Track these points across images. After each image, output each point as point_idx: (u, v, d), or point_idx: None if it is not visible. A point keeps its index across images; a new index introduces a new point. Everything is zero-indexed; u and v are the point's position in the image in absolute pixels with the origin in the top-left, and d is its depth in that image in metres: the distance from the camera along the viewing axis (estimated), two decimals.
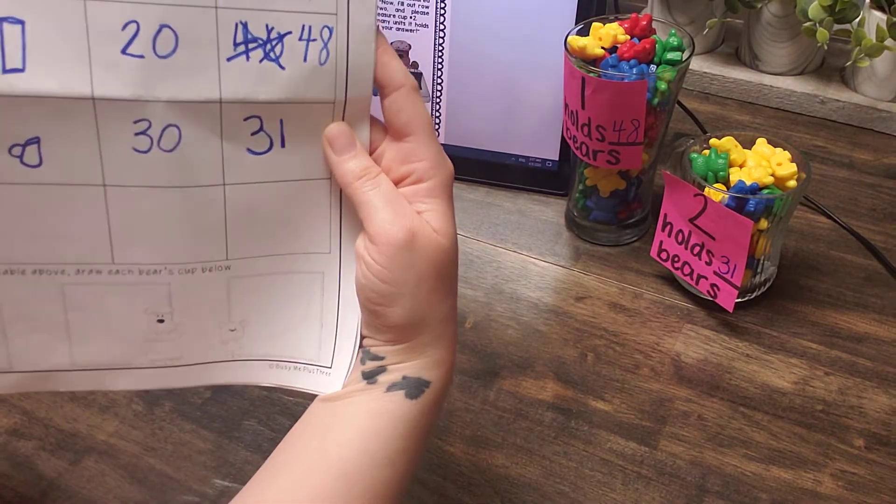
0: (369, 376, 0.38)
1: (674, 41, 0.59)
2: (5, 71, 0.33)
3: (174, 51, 0.33)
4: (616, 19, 0.60)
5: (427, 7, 0.69)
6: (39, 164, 0.35)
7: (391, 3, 0.69)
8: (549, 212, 0.70)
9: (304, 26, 0.35)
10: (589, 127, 0.59)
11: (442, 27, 0.69)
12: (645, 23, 0.59)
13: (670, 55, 0.58)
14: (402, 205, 0.36)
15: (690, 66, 0.65)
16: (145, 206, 0.36)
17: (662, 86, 0.57)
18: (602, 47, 0.58)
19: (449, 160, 0.38)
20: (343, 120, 0.37)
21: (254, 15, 0.34)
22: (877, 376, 0.56)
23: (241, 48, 0.34)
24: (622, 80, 0.56)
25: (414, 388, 0.37)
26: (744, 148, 0.57)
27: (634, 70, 0.57)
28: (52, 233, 0.37)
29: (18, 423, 0.53)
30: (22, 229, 0.36)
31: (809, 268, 0.64)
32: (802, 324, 0.59)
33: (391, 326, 0.37)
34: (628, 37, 0.59)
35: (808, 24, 0.73)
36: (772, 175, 0.55)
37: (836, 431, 0.52)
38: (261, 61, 0.35)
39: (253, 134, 0.36)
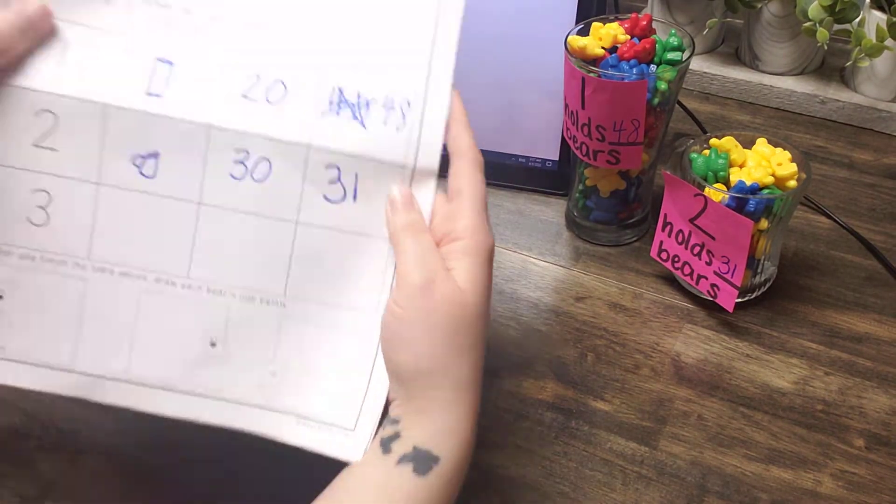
0: (385, 443, 0.38)
1: (674, 41, 0.59)
2: (148, 94, 0.40)
3: (282, 99, 0.41)
4: (616, 19, 0.60)
5: None
6: (153, 176, 0.41)
7: None
8: (549, 212, 0.70)
9: (388, 97, 0.41)
10: (589, 127, 0.59)
11: None
12: (645, 23, 0.59)
13: (670, 55, 0.58)
14: (432, 256, 0.38)
15: (690, 66, 0.65)
16: (227, 227, 0.41)
17: (662, 86, 0.57)
18: (602, 47, 0.58)
19: (491, 233, 0.39)
20: (411, 185, 0.41)
21: (350, 83, 0.41)
22: (877, 376, 0.56)
23: (335, 107, 0.41)
24: (622, 80, 0.56)
25: (422, 462, 0.37)
26: (744, 148, 0.57)
27: (634, 70, 0.57)
28: (146, 239, 0.41)
29: (18, 423, 0.53)
30: (123, 232, 0.41)
31: (809, 268, 0.64)
32: (802, 324, 0.59)
33: (399, 374, 0.38)
34: (628, 37, 0.59)
35: (808, 24, 0.73)
36: (772, 175, 0.55)
37: (836, 431, 0.52)
38: (348, 119, 0.41)
39: (331, 182, 0.41)
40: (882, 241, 0.66)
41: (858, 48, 0.72)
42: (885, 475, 0.50)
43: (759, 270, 0.59)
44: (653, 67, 0.58)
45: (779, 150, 0.57)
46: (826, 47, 0.74)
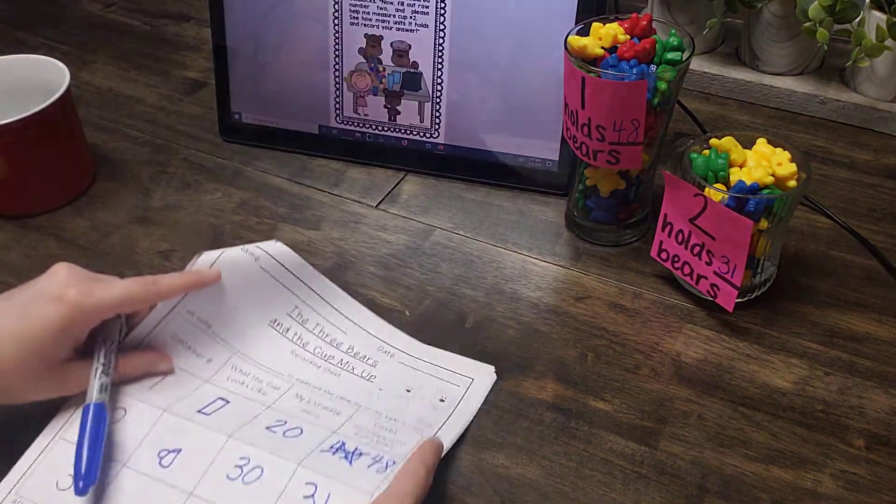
0: None
1: (674, 41, 0.59)
2: (198, 412, 0.49)
3: (295, 437, 0.48)
4: (616, 19, 0.60)
5: (427, 7, 0.69)
6: (168, 467, 0.46)
7: (391, 3, 0.69)
8: (549, 212, 0.70)
9: (379, 455, 0.47)
10: (589, 127, 0.59)
11: (442, 27, 0.69)
12: (645, 23, 0.59)
13: (670, 55, 0.58)
14: None
15: (690, 66, 0.65)
16: None
17: (662, 86, 0.57)
18: (602, 47, 0.58)
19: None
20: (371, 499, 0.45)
21: (353, 441, 0.48)
22: (877, 376, 0.56)
23: (333, 450, 0.47)
24: (622, 80, 0.56)
25: None
26: (744, 148, 0.57)
27: (634, 70, 0.57)
28: None
29: (19, 423, 0.53)
30: None
31: (809, 268, 0.64)
32: (802, 324, 0.59)
33: None
34: (628, 37, 0.59)
35: (808, 24, 0.73)
36: (772, 175, 0.55)
37: (836, 431, 0.52)
38: (339, 458, 0.47)
39: (305, 497, 0.45)
40: (882, 241, 0.66)
41: (858, 48, 0.72)
42: (885, 475, 0.50)
43: (759, 270, 0.59)
44: (653, 67, 0.58)
45: (779, 150, 0.57)
46: (826, 47, 0.74)
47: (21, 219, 0.70)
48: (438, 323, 0.60)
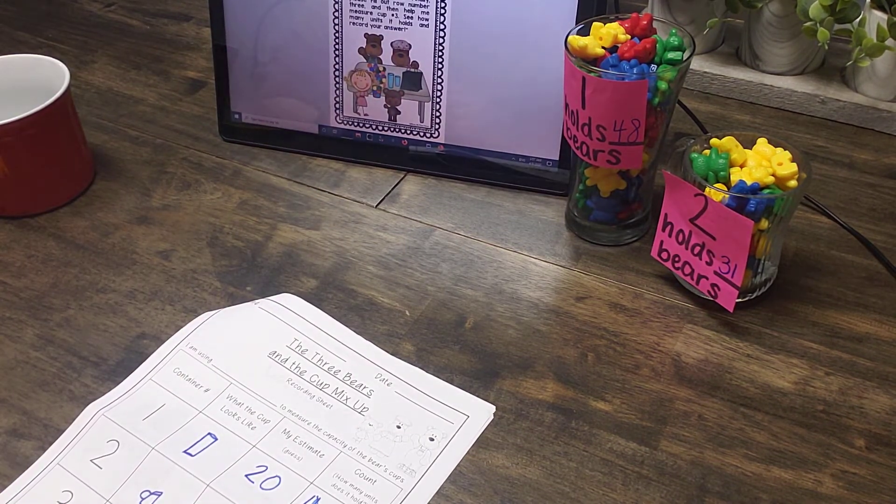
0: None
1: (674, 41, 0.59)
2: (184, 452, 0.50)
3: (274, 485, 0.49)
4: (616, 19, 0.60)
5: (427, 7, 0.69)
6: None
7: (391, 3, 0.69)
8: (549, 212, 0.70)
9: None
10: (589, 127, 0.59)
11: (442, 27, 0.69)
12: (645, 22, 0.59)
13: (671, 55, 0.58)
14: None
15: (691, 66, 0.65)
16: None
17: (663, 85, 0.57)
18: (602, 47, 0.58)
19: None
20: None
21: (325, 499, 0.49)
22: (877, 376, 0.55)
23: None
24: (622, 80, 0.56)
25: None
26: (744, 148, 0.57)
27: (635, 70, 0.56)
28: None
29: (18, 423, 0.53)
30: None
31: (810, 268, 0.64)
32: (803, 324, 0.59)
33: None
34: (629, 36, 0.59)
35: (808, 23, 0.73)
36: (772, 175, 0.55)
37: (836, 432, 0.52)
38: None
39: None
40: (882, 241, 0.66)
41: (859, 48, 0.72)
42: (885, 475, 0.50)
43: (759, 270, 0.59)
44: (653, 67, 0.58)
45: (779, 149, 0.57)
46: (826, 47, 0.74)
47: (21, 219, 0.70)
48: (438, 323, 0.60)
